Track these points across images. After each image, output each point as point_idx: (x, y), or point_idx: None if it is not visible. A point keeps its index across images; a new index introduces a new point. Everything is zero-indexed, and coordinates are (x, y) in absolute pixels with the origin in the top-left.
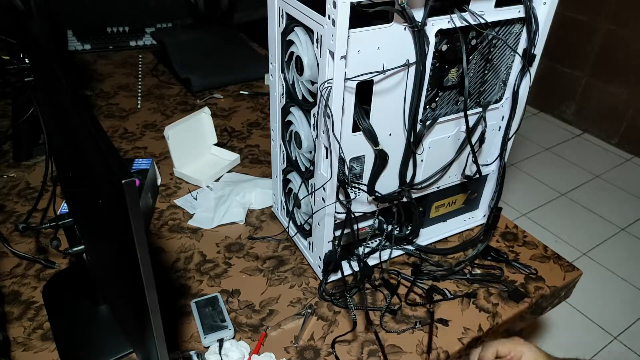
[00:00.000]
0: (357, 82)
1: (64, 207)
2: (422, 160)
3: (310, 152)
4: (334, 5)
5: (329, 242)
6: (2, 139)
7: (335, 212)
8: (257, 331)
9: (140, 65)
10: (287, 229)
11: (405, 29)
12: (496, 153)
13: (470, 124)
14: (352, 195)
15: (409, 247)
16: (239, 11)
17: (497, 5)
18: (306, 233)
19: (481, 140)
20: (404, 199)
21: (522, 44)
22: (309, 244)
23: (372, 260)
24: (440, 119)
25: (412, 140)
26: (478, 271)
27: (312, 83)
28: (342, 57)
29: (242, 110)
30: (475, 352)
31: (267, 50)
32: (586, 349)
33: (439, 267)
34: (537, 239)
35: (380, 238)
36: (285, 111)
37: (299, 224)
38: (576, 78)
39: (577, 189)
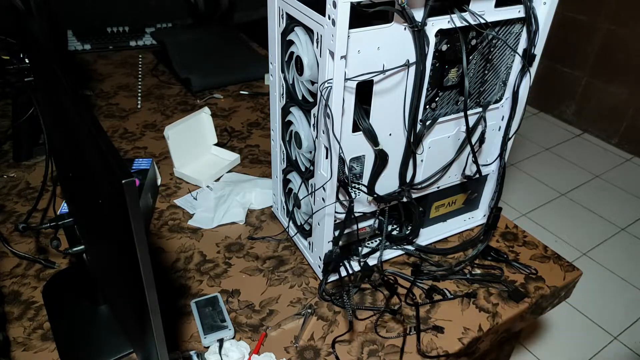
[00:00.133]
0: (357, 82)
1: (64, 207)
2: (422, 160)
3: (310, 152)
4: (334, 5)
5: (329, 242)
6: (2, 139)
7: (335, 212)
8: (257, 331)
9: (140, 65)
10: (287, 229)
11: (405, 29)
12: (496, 153)
13: (470, 124)
14: (352, 195)
15: (409, 247)
16: (239, 11)
17: (497, 5)
18: (306, 233)
19: (481, 140)
20: (404, 199)
21: (522, 44)
22: (309, 244)
23: (372, 260)
24: (440, 119)
25: (412, 140)
26: (478, 271)
27: (312, 83)
28: (342, 57)
29: (242, 110)
30: None
31: (267, 50)
32: (586, 349)
33: (439, 267)
34: (537, 239)
35: (380, 238)
36: (285, 111)
37: (299, 224)
38: (576, 78)
39: (577, 189)
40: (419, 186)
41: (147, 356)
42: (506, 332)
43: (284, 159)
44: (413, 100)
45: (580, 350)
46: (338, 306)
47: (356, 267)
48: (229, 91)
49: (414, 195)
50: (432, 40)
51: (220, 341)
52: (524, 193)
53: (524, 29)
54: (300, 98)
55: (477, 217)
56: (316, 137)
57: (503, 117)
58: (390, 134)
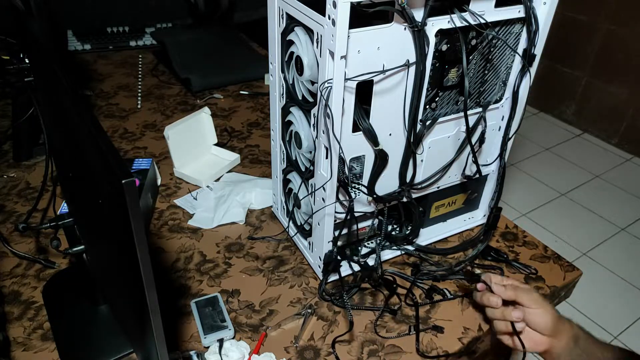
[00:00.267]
0: (357, 82)
1: (64, 207)
2: (422, 160)
3: (310, 152)
4: (334, 5)
5: (329, 242)
6: (2, 139)
7: (335, 212)
8: (257, 331)
9: (140, 65)
10: (287, 229)
11: (405, 29)
12: (496, 153)
13: (470, 124)
14: (352, 195)
15: (409, 247)
16: (239, 11)
17: (497, 5)
18: (306, 233)
19: (481, 140)
20: (404, 199)
21: (522, 44)
22: (309, 244)
23: (372, 260)
24: (440, 119)
25: (412, 140)
26: (478, 271)
27: (312, 83)
28: (342, 57)
29: (242, 110)
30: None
31: (267, 50)
32: None
33: (439, 267)
34: (537, 239)
35: (379, 238)
36: (285, 111)
37: (299, 224)
38: (576, 78)
39: (577, 189)
40: (419, 186)
41: (147, 356)
42: None
43: (284, 159)
44: (413, 100)
45: None
46: (338, 306)
47: (356, 267)
48: (229, 91)
49: (414, 195)
50: (432, 40)
51: (220, 341)
52: (524, 193)
53: (524, 29)
54: (300, 98)
55: (477, 217)
56: (316, 137)
57: (503, 117)
58: (390, 134)
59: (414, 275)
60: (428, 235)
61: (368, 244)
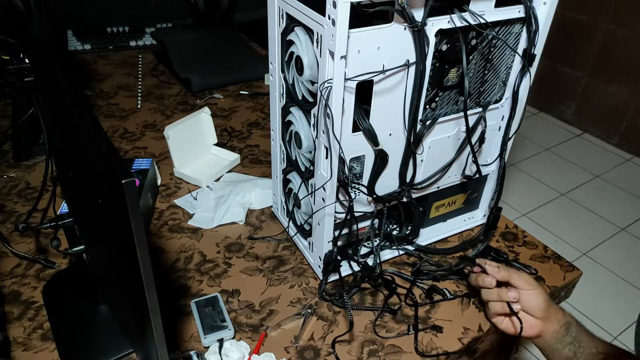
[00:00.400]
0: (357, 82)
1: (64, 207)
2: (422, 160)
3: (310, 152)
4: (334, 5)
5: (329, 242)
6: (2, 139)
7: (335, 212)
8: (257, 331)
9: (140, 65)
10: (287, 229)
11: (405, 29)
12: (496, 153)
13: (470, 124)
14: (352, 195)
15: (409, 247)
16: (239, 11)
17: (497, 5)
18: (306, 233)
19: (481, 140)
20: (404, 199)
21: (522, 44)
22: (309, 244)
23: (372, 260)
24: (440, 119)
25: (412, 140)
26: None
27: (312, 83)
28: (342, 57)
29: (242, 110)
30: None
31: (267, 50)
32: None
33: (439, 267)
34: (537, 239)
35: (379, 238)
36: (285, 111)
37: (299, 224)
38: (576, 78)
39: (577, 189)
40: (419, 186)
41: (147, 356)
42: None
43: (284, 159)
44: (413, 100)
45: None
46: (338, 306)
47: (356, 267)
48: (229, 91)
49: (414, 195)
50: (432, 40)
51: (220, 341)
52: (524, 193)
53: (524, 29)
54: (300, 98)
55: (477, 217)
56: (316, 137)
57: (503, 117)
58: (390, 134)
59: (414, 275)
60: (428, 235)
61: (368, 244)
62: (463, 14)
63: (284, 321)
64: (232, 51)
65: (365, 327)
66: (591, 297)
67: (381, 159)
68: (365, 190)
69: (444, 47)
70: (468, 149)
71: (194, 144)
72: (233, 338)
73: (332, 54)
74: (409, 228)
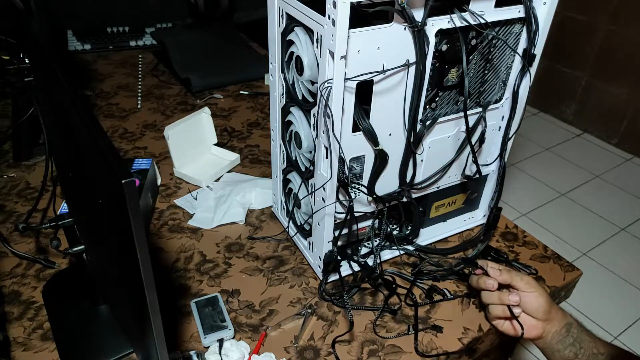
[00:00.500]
0: (357, 82)
1: (64, 207)
2: (422, 160)
3: (310, 152)
4: (334, 5)
5: (329, 242)
6: (2, 139)
7: (335, 212)
8: (257, 331)
9: (140, 65)
10: (287, 229)
11: (405, 29)
12: (496, 153)
13: (470, 124)
14: (352, 195)
15: (409, 247)
16: (239, 11)
17: (497, 5)
18: (306, 233)
19: (481, 140)
20: (404, 199)
21: (522, 44)
22: (309, 244)
23: (372, 260)
24: (440, 119)
25: (412, 140)
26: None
27: (312, 83)
28: (342, 57)
29: (242, 110)
30: (491, 265)
31: (267, 50)
32: None
33: (439, 267)
34: (537, 239)
35: (379, 238)
36: (285, 111)
37: (299, 224)
38: (576, 78)
39: (577, 189)
40: (419, 186)
41: (147, 356)
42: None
43: (284, 159)
44: (413, 100)
45: None
46: (338, 306)
47: (356, 267)
48: (229, 91)
49: (414, 195)
50: (432, 40)
51: (220, 341)
52: (524, 193)
53: (524, 29)
54: (300, 98)
55: (477, 217)
56: (316, 137)
57: (503, 117)
58: (390, 134)
59: (414, 275)
60: (428, 235)
61: (368, 244)
62: (463, 14)
63: (284, 321)
64: (232, 51)
65: (365, 327)
66: (591, 297)
67: (381, 159)
68: (365, 190)
69: (444, 47)
70: (468, 149)
71: (194, 144)
72: (233, 338)
73: (332, 54)
74: (409, 228)
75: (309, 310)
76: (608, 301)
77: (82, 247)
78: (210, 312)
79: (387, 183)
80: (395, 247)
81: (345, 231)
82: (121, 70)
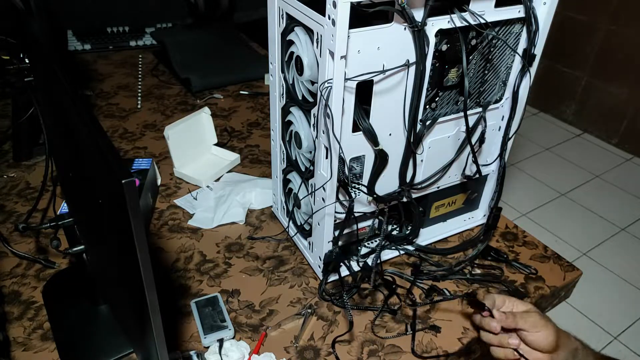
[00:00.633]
0: (357, 82)
1: (64, 207)
2: (422, 160)
3: (310, 152)
4: (334, 5)
5: (329, 242)
6: (2, 139)
7: (335, 212)
8: (257, 331)
9: (140, 65)
10: (287, 229)
11: (405, 29)
12: (496, 153)
13: (470, 124)
14: (352, 195)
15: (409, 247)
16: (239, 11)
17: (497, 5)
18: (306, 233)
19: (481, 140)
20: (404, 199)
21: (522, 44)
22: (309, 244)
23: (372, 260)
24: (440, 119)
25: (412, 140)
26: (478, 271)
27: (312, 83)
28: (342, 57)
29: (242, 110)
30: (496, 298)
31: (267, 50)
32: None
33: (439, 267)
34: (537, 239)
35: (379, 238)
36: (285, 111)
37: (299, 224)
38: (576, 78)
39: (577, 189)
40: (419, 186)
41: (147, 356)
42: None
43: (284, 159)
44: (413, 100)
45: None
46: (338, 306)
47: (356, 267)
48: (229, 91)
49: (414, 195)
50: (432, 40)
51: (220, 341)
52: (524, 193)
53: (524, 29)
54: (300, 98)
55: (477, 217)
56: (316, 137)
57: (503, 117)
58: (390, 134)
59: (414, 275)
60: (428, 235)
61: (368, 244)
62: (463, 14)
63: (284, 321)
64: (232, 51)
65: (365, 327)
66: (591, 297)
67: (381, 159)
68: (365, 190)
69: (444, 47)
70: (468, 149)
71: (194, 144)
72: (233, 338)
73: (332, 54)
74: (409, 228)
75: (309, 310)
76: (608, 301)
77: (82, 247)
78: (210, 312)
79: (387, 183)
80: (395, 247)
81: (345, 231)
82: (121, 70)
